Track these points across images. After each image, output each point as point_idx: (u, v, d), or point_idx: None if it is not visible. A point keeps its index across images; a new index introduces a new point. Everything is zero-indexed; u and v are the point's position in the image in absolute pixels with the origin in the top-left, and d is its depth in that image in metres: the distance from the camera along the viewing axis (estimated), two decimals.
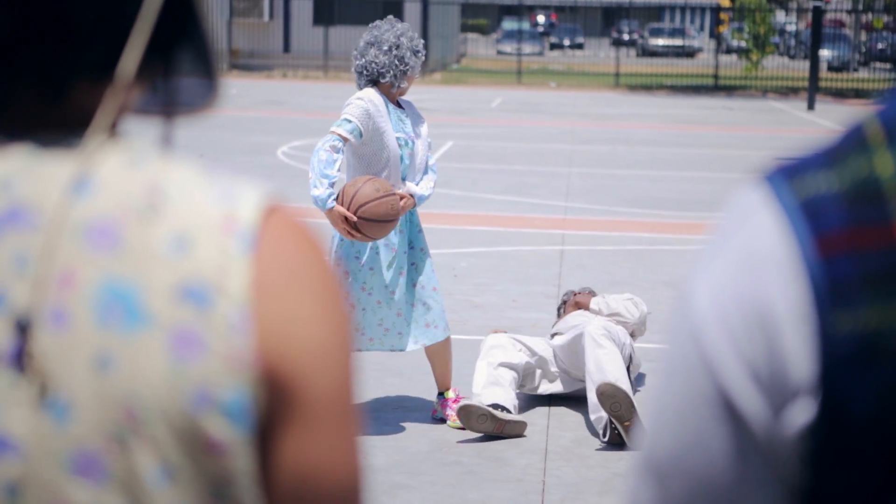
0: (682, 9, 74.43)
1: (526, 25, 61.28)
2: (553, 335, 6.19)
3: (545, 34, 65.99)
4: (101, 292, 0.93)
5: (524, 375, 5.94)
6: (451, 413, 5.66)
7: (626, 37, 58.45)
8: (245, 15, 36.89)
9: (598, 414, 5.41)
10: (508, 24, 60.52)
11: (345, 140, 5.32)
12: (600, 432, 5.42)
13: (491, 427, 5.43)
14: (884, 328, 0.80)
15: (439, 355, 5.71)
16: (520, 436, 5.50)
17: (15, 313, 0.93)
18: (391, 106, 5.52)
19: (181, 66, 1.03)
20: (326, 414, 0.97)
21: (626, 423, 5.28)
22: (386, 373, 6.35)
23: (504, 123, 22.29)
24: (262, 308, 0.95)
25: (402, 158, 5.49)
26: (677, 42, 54.74)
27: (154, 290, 0.93)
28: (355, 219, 5.20)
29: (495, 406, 5.52)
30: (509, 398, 5.63)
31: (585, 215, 11.88)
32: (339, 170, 5.31)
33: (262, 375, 0.94)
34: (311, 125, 19.80)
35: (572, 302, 6.44)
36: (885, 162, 0.82)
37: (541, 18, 74.15)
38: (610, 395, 5.28)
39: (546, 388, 6.03)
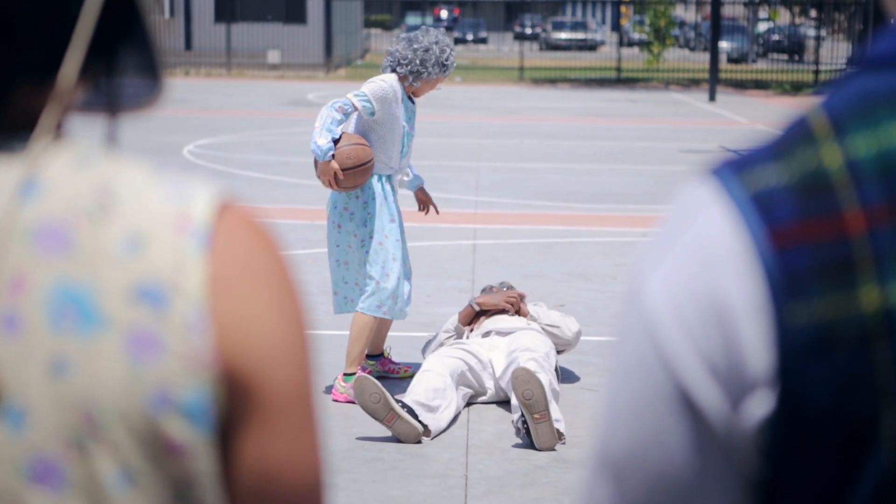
0: (584, 3, 75.08)
1: (429, 20, 61.32)
2: (487, 333, 6.13)
3: (449, 29, 66.05)
4: (54, 296, 0.91)
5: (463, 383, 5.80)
6: (393, 366, 6.35)
7: (528, 31, 58.78)
8: None
9: (516, 414, 5.41)
10: (412, 20, 60.46)
11: (354, 108, 5.84)
12: (516, 430, 5.39)
13: (382, 413, 5.24)
14: (838, 318, 0.80)
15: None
16: (409, 442, 5.29)
17: None
18: (405, 97, 6.09)
19: (125, 63, 1.01)
20: (286, 411, 0.96)
21: (536, 416, 5.20)
22: None
23: None
24: (219, 306, 0.94)
25: (403, 145, 6.12)
26: (579, 35, 55.18)
27: (108, 291, 0.92)
28: (342, 176, 5.78)
29: (399, 401, 5.33)
30: (424, 399, 5.45)
31: (496, 209, 11.92)
32: (341, 131, 5.84)
33: (221, 374, 0.93)
34: (216, 123, 19.58)
35: (505, 301, 6.34)
36: (832, 153, 0.83)
37: (444, 13, 74.23)
38: (524, 381, 5.16)
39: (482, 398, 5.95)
